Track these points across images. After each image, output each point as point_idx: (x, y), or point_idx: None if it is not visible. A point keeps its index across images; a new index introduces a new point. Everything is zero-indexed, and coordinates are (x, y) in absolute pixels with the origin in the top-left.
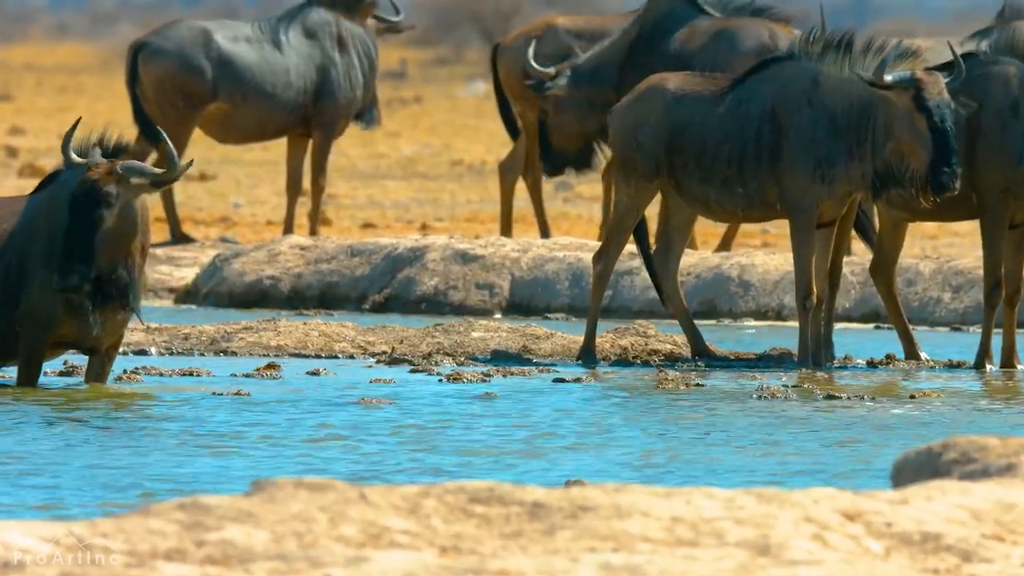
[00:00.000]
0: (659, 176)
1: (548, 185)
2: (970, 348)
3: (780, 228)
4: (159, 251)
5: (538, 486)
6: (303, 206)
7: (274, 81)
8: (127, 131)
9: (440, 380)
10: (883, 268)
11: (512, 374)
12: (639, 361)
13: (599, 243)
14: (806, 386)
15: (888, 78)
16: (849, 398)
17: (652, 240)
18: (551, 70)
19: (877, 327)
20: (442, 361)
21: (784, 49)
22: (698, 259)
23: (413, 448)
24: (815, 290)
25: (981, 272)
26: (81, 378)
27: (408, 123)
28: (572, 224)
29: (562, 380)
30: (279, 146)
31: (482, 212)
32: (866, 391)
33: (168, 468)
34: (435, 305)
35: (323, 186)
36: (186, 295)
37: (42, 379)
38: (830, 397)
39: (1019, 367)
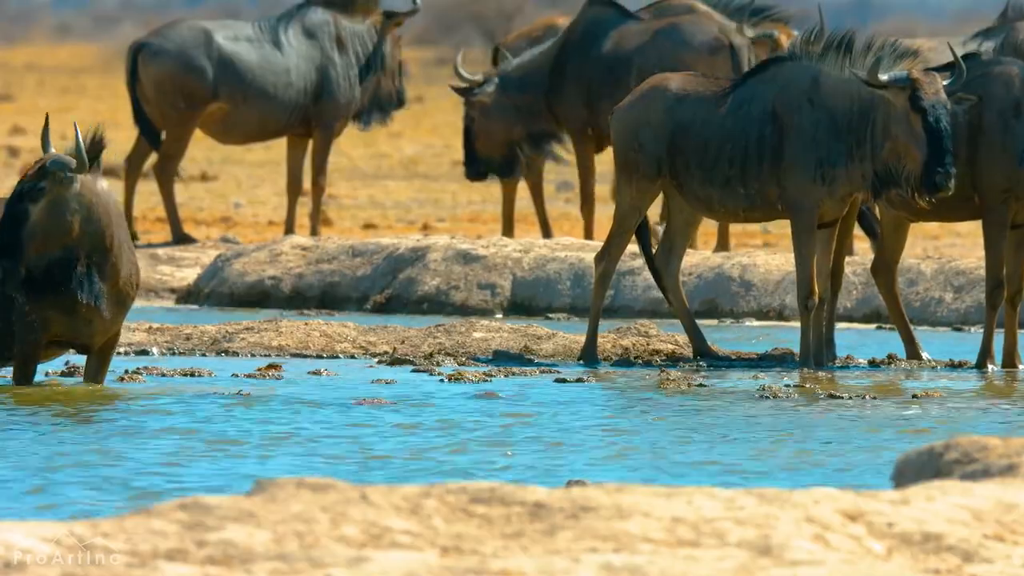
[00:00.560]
0: (661, 176)
1: (550, 186)
2: (972, 348)
3: (781, 228)
4: (160, 251)
5: (539, 486)
6: (304, 206)
7: (275, 81)
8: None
9: (442, 380)
10: (885, 268)
11: (514, 374)
12: (641, 361)
13: (600, 243)
14: (808, 386)
15: (884, 77)
16: (851, 398)
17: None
18: (479, 76)
19: (879, 327)
20: (444, 361)
21: (735, 43)
22: (700, 259)
23: (414, 448)
24: (816, 290)
25: (982, 272)
26: (81, 379)
27: (410, 123)
28: (573, 224)
29: (564, 380)
30: (280, 146)
31: (483, 212)
32: (868, 391)
33: (168, 468)
34: (437, 305)
35: (323, 186)
36: (187, 295)
37: (43, 379)
38: (832, 397)
39: (1020, 367)
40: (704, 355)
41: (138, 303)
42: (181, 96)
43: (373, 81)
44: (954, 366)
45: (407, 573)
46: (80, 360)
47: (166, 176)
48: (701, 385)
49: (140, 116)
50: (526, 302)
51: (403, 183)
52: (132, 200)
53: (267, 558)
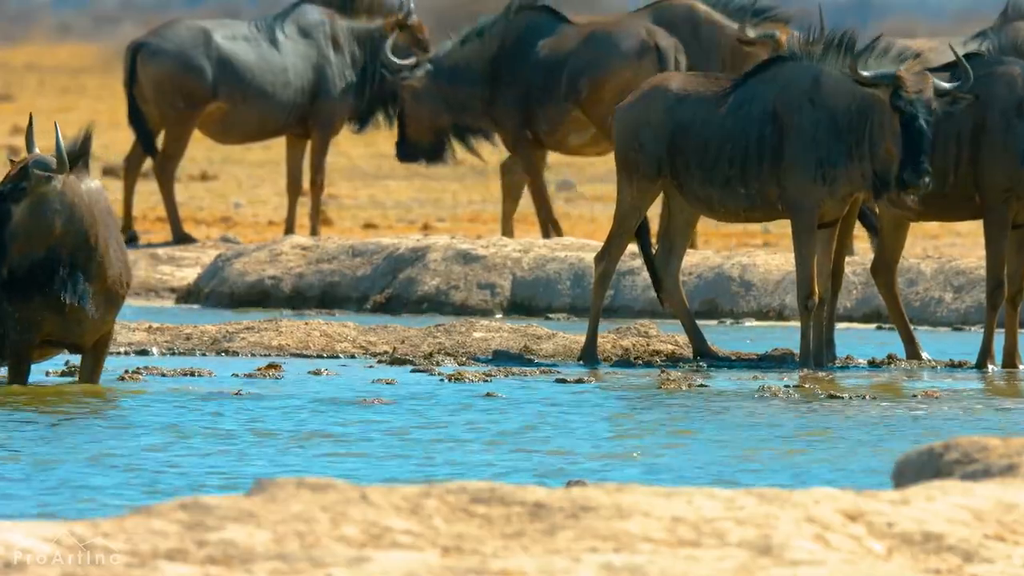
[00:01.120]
0: (661, 176)
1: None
2: (972, 348)
3: (781, 228)
4: (160, 251)
5: (539, 486)
6: (304, 206)
7: (273, 80)
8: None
9: (441, 380)
10: (884, 268)
11: (513, 374)
12: (641, 361)
13: (600, 243)
14: (808, 386)
15: (866, 74)
16: (850, 398)
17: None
18: (411, 60)
19: (879, 327)
20: (443, 361)
21: (661, 45)
22: (700, 259)
23: (414, 448)
24: (816, 290)
25: (982, 272)
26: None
27: None
28: (573, 224)
29: (564, 380)
30: (280, 146)
31: (484, 212)
32: (867, 391)
33: (168, 468)
34: (436, 305)
35: (322, 185)
36: (188, 295)
37: (43, 379)
38: (832, 397)
39: (1021, 367)
40: (704, 355)
41: (138, 303)
42: (180, 96)
43: (374, 83)
44: (954, 366)
45: (407, 573)
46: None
47: (166, 176)
48: (701, 385)
49: (135, 118)
50: (526, 302)
51: (403, 183)
52: (131, 200)
53: (267, 558)
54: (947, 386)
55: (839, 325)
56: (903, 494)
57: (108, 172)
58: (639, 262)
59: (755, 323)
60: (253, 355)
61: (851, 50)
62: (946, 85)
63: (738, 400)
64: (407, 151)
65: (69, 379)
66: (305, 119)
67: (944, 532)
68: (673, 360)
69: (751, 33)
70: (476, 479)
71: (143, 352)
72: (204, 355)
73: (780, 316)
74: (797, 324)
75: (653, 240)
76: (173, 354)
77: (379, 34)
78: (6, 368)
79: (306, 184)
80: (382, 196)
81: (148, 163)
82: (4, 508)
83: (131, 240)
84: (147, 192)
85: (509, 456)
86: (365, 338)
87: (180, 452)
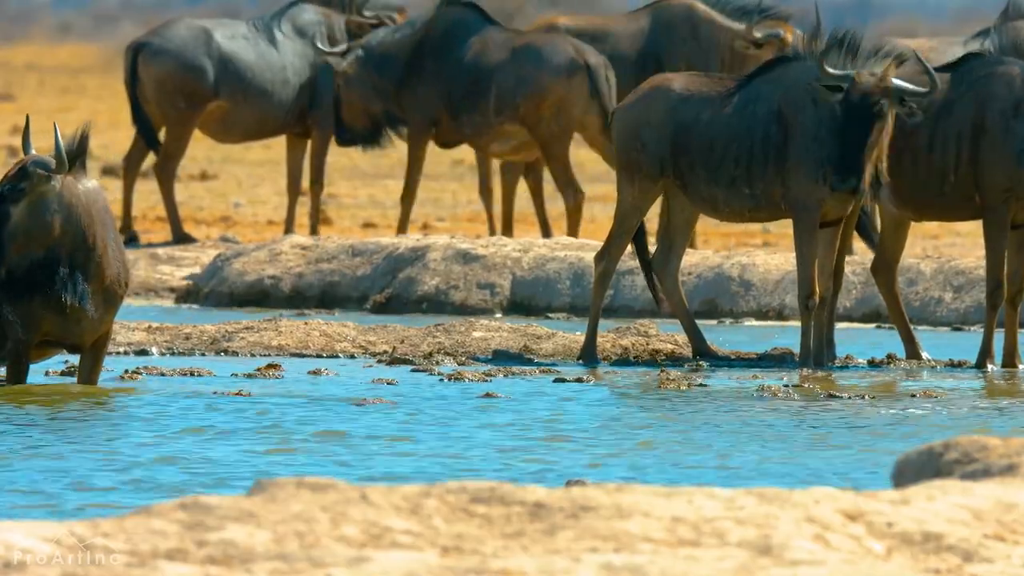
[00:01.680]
0: (664, 176)
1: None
2: (971, 348)
3: (781, 228)
4: (160, 251)
5: (539, 486)
6: (304, 205)
7: (272, 79)
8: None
9: (441, 380)
10: (885, 267)
11: (513, 374)
12: (640, 361)
13: (599, 243)
14: (807, 386)
15: (832, 72)
16: (850, 398)
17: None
18: (343, 47)
19: (878, 326)
20: (443, 361)
21: (591, 63)
22: (699, 259)
23: (413, 447)
24: (817, 289)
25: (982, 272)
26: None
27: None
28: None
29: (563, 380)
30: (280, 145)
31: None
32: (867, 391)
33: (167, 467)
34: (436, 305)
35: (322, 185)
36: (187, 295)
37: (43, 379)
38: (831, 397)
39: (1020, 367)
40: (704, 355)
41: (138, 302)
42: (182, 95)
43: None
44: (954, 366)
45: (407, 573)
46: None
47: (166, 175)
48: (701, 385)
49: (139, 117)
50: (526, 301)
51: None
52: (131, 199)
53: (267, 558)
54: (947, 386)
55: (839, 324)
56: (903, 494)
57: (107, 172)
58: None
59: (755, 323)
60: (253, 355)
61: (852, 50)
62: (914, 88)
63: (737, 400)
64: (345, 137)
65: (69, 379)
66: (304, 118)
67: (944, 532)
68: (673, 359)
69: (757, 33)
70: (476, 479)
71: (142, 352)
72: (204, 355)
73: (780, 316)
74: (797, 324)
75: (651, 239)
76: (172, 354)
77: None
78: (4, 368)
79: (306, 184)
80: (382, 196)
81: (148, 163)
82: (4, 507)
83: (131, 240)
84: (147, 192)
85: (509, 456)
86: (365, 338)
87: (179, 452)
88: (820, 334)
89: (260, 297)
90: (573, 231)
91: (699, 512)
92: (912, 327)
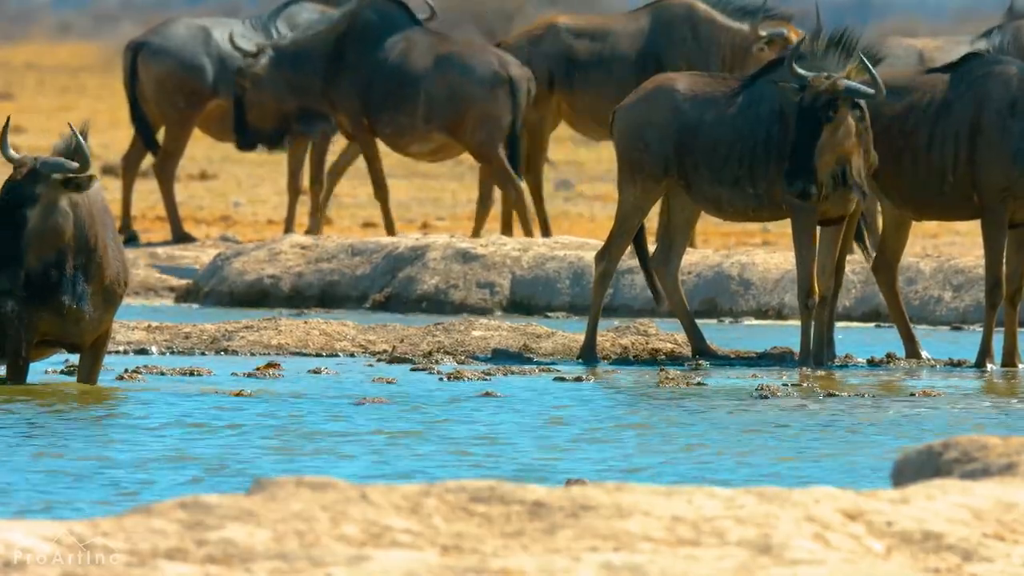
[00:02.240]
0: (667, 176)
1: (549, 184)
2: (971, 347)
3: (780, 227)
4: (160, 250)
5: (539, 485)
6: (303, 205)
7: None
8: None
9: (441, 379)
10: (885, 266)
11: (513, 373)
12: (640, 360)
13: (599, 242)
14: (807, 385)
15: (801, 72)
16: (850, 397)
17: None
18: (253, 48)
19: (878, 326)
20: (443, 360)
21: (514, 76)
22: (699, 258)
23: (413, 447)
24: (816, 289)
25: (982, 271)
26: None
27: None
28: (573, 223)
29: (563, 379)
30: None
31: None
32: (867, 390)
33: (167, 466)
34: (436, 304)
35: (323, 184)
36: (187, 294)
37: (43, 378)
38: (831, 396)
39: (1020, 366)
40: (703, 354)
41: (137, 302)
42: (181, 95)
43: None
44: (953, 365)
45: (407, 572)
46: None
47: (166, 175)
48: (700, 384)
49: (137, 116)
50: (525, 301)
51: (403, 182)
52: (130, 199)
53: (267, 557)
54: (946, 385)
55: (838, 324)
56: (902, 493)
57: (107, 171)
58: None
59: (754, 322)
60: (252, 354)
61: (849, 50)
62: (864, 90)
63: (737, 399)
64: (247, 139)
65: (69, 378)
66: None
67: (943, 531)
68: (672, 358)
69: (762, 32)
70: (475, 478)
71: (142, 351)
72: (203, 354)
73: (779, 315)
74: (796, 323)
75: (650, 239)
76: (172, 353)
77: None
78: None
79: (306, 183)
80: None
81: (147, 162)
82: (6, 507)
83: (131, 239)
84: (146, 191)
85: (508, 455)
86: (364, 337)
87: (179, 451)
88: (820, 333)
89: (260, 296)
90: (507, 229)
91: (699, 511)
92: (912, 326)
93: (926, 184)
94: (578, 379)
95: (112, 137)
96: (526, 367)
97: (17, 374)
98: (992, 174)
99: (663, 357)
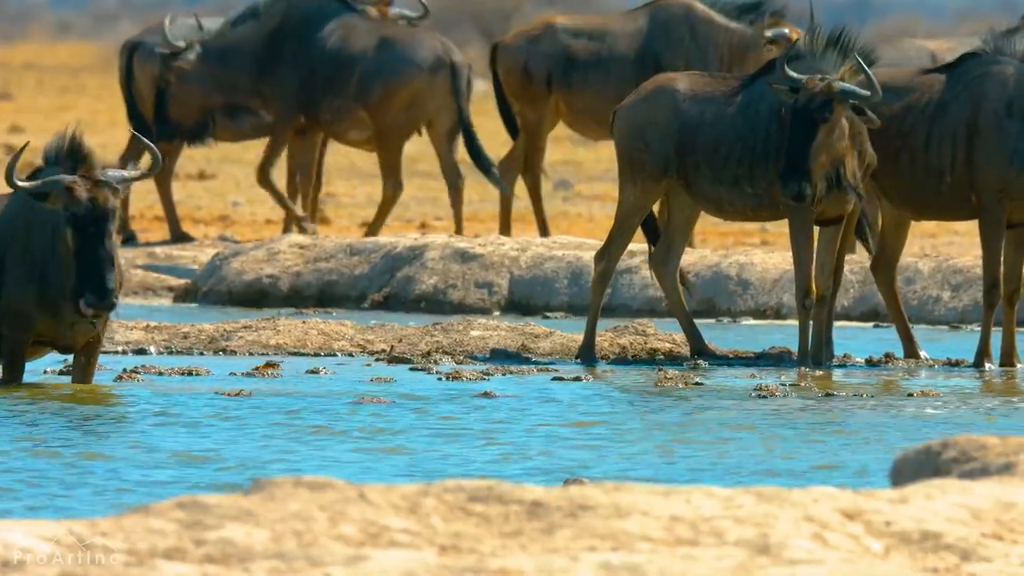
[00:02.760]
0: (667, 176)
1: (547, 184)
2: (969, 347)
3: (779, 227)
4: (158, 250)
5: (537, 485)
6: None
7: None
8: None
9: (439, 379)
10: (884, 266)
11: (511, 372)
12: (638, 360)
13: (598, 242)
14: (805, 385)
15: (792, 75)
16: (848, 397)
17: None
18: (182, 43)
19: (876, 325)
20: (441, 360)
21: (455, 61)
22: (697, 258)
23: (412, 447)
24: (814, 288)
25: (980, 271)
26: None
27: None
28: (571, 223)
29: (561, 379)
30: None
31: (481, 211)
32: (865, 390)
33: (166, 466)
34: (434, 304)
35: (321, 184)
36: (185, 294)
37: (44, 378)
38: (829, 396)
39: (1018, 366)
40: (702, 354)
41: (135, 301)
42: None
43: None
44: (952, 365)
45: (405, 572)
46: None
47: (163, 175)
48: (699, 384)
49: (134, 116)
50: (524, 300)
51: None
52: (128, 198)
53: (265, 557)
54: (945, 385)
55: (837, 323)
56: (901, 493)
57: None
58: (637, 260)
59: (753, 322)
60: (251, 354)
61: (846, 50)
62: (861, 92)
63: (735, 398)
64: (168, 132)
65: (65, 378)
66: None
67: (942, 531)
68: (671, 358)
69: (768, 32)
70: (474, 478)
71: (141, 351)
72: (202, 354)
73: (778, 315)
74: (795, 323)
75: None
76: (171, 353)
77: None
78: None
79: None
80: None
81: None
82: (6, 507)
83: (129, 239)
84: (144, 191)
85: (507, 455)
86: (363, 337)
87: (177, 451)
88: (819, 333)
89: (258, 296)
90: (380, 220)
91: (697, 511)
92: (910, 326)
93: (924, 184)
94: (576, 379)
95: (111, 137)
96: (524, 367)
97: (14, 374)
98: (989, 174)
99: (661, 357)
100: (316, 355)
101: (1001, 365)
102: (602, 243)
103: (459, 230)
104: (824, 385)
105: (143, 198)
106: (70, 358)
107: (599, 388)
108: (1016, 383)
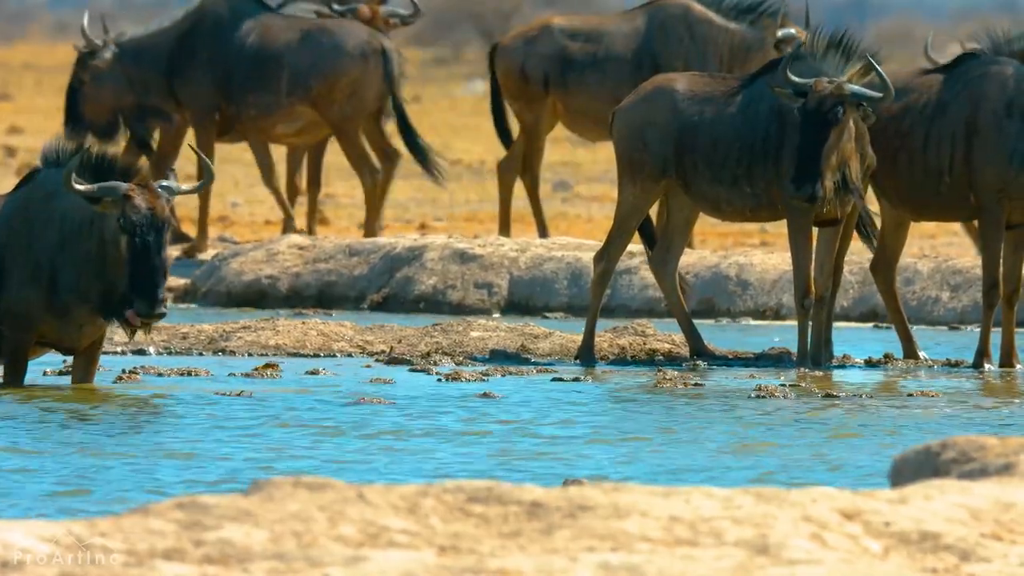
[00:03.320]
0: (666, 176)
1: (546, 185)
2: (969, 347)
3: (778, 228)
4: None
5: (536, 485)
6: (301, 205)
7: None
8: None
9: (439, 379)
10: (884, 266)
11: (510, 373)
12: (638, 360)
13: (597, 243)
14: (804, 385)
15: (795, 80)
16: (847, 397)
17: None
18: (100, 42)
19: (876, 326)
20: (441, 360)
21: (386, 48)
22: (697, 258)
23: (411, 447)
24: (813, 289)
25: (979, 271)
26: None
27: None
28: (571, 224)
29: (560, 379)
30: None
31: (481, 212)
32: (864, 390)
33: (165, 467)
34: (433, 304)
35: (320, 185)
36: (184, 294)
37: (41, 379)
38: (828, 396)
39: (1018, 366)
40: (701, 354)
41: None
42: None
43: None
44: (951, 365)
45: (404, 572)
46: None
47: (159, 174)
48: (698, 384)
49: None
50: (523, 301)
51: (400, 182)
52: None
53: (264, 557)
54: (944, 385)
55: (836, 324)
56: (900, 493)
57: None
58: (636, 261)
59: (752, 322)
60: (250, 355)
61: (847, 51)
62: (871, 94)
63: (734, 399)
64: (78, 129)
65: (66, 379)
66: None
67: (941, 531)
68: (670, 359)
69: (779, 33)
70: (473, 478)
71: (140, 352)
72: (201, 355)
73: (777, 315)
74: (794, 323)
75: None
76: (170, 354)
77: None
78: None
79: (303, 184)
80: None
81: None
82: (7, 508)
83: None
84: None
85: (506, 455)
86: (362, 337)
87: (176, 451)
88: (818, 333)
89: (257, 297)
90: (374, 213)
91: (696, 511)
92: (910, 326)
93: (923, 185)
94: (576, 379)
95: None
96: (524, 368)
97: (16, 374)
98: (988, 175)
99: (661, 357)
100: (315, 356)
101: (1000, 366)
102: (601, 244)
103: (369, 230)
104: (823, 386)
105: None
106: (70, 359)
107: (598, 389)
108: (1015, 384)
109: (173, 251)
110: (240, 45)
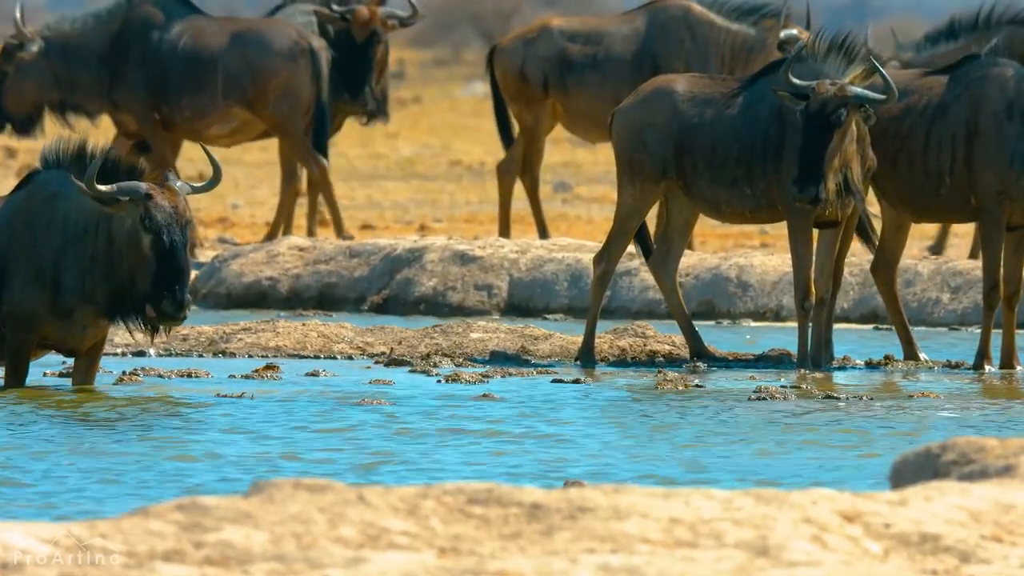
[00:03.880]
0: (666, 178)
1: (547, 186)
2: (969, 349)
3: (778, 229)
4: None
5: (536, 487)
6: (301, 207)
7: None
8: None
9: (439, 381)
10: (884, 268)
11: (511, 375)
12: (638, 362)
13: (597, 244)
14: (805, 387)
15: (796, 81)
16: (847, 399)
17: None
18: (28, 32)
19: (876, 327)
20: (441, 362)
21: (314, 47)
22: (697, 260)
23: (411, 449)
24: (813, 291)
25: (980, 273)
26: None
27: (407, 124)
28: (571, 225)
29: (561, 381)
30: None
31: (481, 213)
32: (865, 392)
33: (164, 468)
34: (434, 306)
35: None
36: None
37: (46, 380)
38: (829, 398)
39: (1018, 368)
40: (701, 356)
41: None
42: None
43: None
44: (951, 367)
45: (405, 574)
46: None
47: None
48: (698, 386)
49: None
50: (523, 303)
51: (400, 183)
52: None
53: (265, 559)
54: (944, 387)
55: (836, 325)
56: (900, 495)
57: None
58: (636, 263)
59: (752, 324)
60: (250, 356)
61: (849, 53)
62: (874, 96)
63: (734, 400)
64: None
65: (67, 381)
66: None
67: (941, 533)
68: (670, 360)
69: (781, 35)
70: (473, 480)
71: (140, 353)
72: (201, 356)
73: (777, 317)
74: (794, 325)
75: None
76: (170, 355)
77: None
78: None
79: (304, 185)
80: (379, 197)
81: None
82: (4, 508)
83: None
84: None
85: (506, 457)
86: (362, 339)
87: (176, 453)
88: (818, 335)
89: (258, 298)
90: (331, 203)
91: (696, 513)
92: (910, 328)
93: (923, 186)
94: (576, 381)
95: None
96: (524, 369)
97: (17, 376)
98: (989, 176)
99: (661, 359)
100: (316, 357)
101: (1001, 367)
102: (601, 245)
103: (273, 231)
104: (824, 387)
105: None
106: (70, 360)
107: (598, 390)
108: (1016, 385)
109: None
110: (172, 47)
